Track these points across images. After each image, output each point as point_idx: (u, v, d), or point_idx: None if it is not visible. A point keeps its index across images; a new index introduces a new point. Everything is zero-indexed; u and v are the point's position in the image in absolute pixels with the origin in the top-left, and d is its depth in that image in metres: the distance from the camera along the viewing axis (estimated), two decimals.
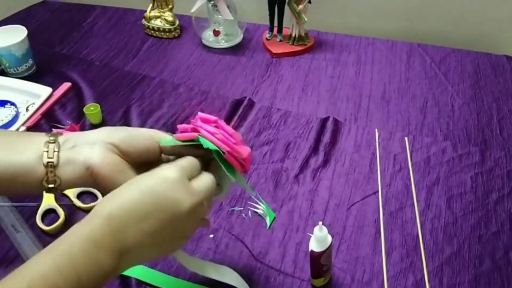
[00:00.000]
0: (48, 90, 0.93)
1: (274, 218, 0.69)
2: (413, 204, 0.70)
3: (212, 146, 0.46)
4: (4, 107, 0.90)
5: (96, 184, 0.46)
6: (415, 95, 0.92)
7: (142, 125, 0.87)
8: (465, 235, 0.65)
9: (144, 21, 1.14)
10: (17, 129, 0.86)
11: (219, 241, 0.66)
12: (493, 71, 0.96)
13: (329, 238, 0.55)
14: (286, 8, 1.02)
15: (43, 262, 0.37)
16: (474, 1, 1.06)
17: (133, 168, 0.47)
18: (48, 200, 0.71)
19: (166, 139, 0.48)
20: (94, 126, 0.87)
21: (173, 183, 0.42)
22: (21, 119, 0.88)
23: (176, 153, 0.48)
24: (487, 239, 0.65)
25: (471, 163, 0.76)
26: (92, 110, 0.86)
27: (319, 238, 0.54)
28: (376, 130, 0.83)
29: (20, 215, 0.70)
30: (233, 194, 0.73)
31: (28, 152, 0.44)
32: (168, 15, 1.12)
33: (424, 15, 1.12)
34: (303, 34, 1.05)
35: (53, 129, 0.86)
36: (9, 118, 0.87)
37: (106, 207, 0.41)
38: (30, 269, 0.36)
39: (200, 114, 0.50)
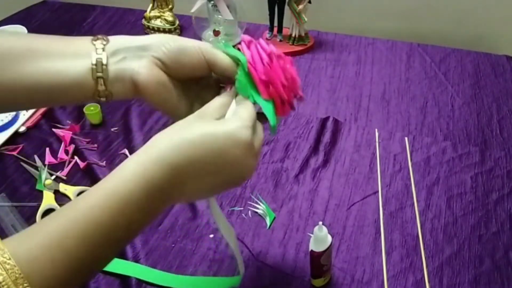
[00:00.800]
0: None
1: (274, 218, 0.69)
2: (413, 204, 0.70)
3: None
4: None
5: (143, 98, 0.45)
6: (415, 95, 0.92)
7: (142, 125, 0.87)
8: (465, 235, 0.65)
9: (144, 21, 1.14)
10: (17, 129, 0.86)
11: (219, 241, 0.66)
12: (493, 71, 0.96)
13: (329, 238, 0.55)
14: (286, 8, 1.02)
15: (94, 204, 0.36)
16: (474, 1, 1.06)
17: (180, 85, 0.46)
18: (48, 200, 0.71)
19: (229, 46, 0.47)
20: (94, 126, 0.87)
21: (246, 149, 0.41)
22: (21, 119, 0.88)
23: (227, 75, 0.46)
24: (487, 239, 0.65)
25: (471, 163, 0.76)
26: (92, 110, 0.86)
27: (319, 238, 0.54)
28: (376, 130, 0.83)
29: (20, 215, 0.70)
30: (233, 194, 0.73)
31: (78, 65, 0.43)
32: (168, 15, 1.12)
33: (424, 15, 1.12)
34: (303, 34, 1.05)
35: (53, 129, 0.86)
36: (9, 118, 0.86)
37: (168, 154, 0.38)
38: (80, 209, 0.35)
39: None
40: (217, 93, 0.47)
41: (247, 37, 0.47)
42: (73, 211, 0.35)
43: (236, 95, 0.45)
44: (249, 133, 0.41)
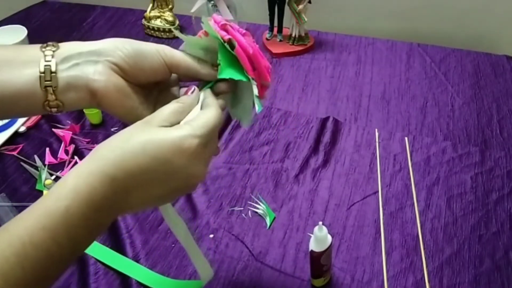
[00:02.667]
0: None
1: (274, 218, 0.69)
2: (413, 204, 0.70)
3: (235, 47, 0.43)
4: None
5: (100, 107, 0.43)
6: (415, 95, 0.92)
7: None
8: (465, 235, 0.65)
9: (144, 21, 1.14)
10: (17, 129, 0.86)
11: (219, 241, 0.66)
12: (493, 71, 0.96)
13: (329, 238, 0.55)
14: (286, 8, 1.02)
15: (32, 225, 0.34)
16: (474, 1, 1.06)
17: (140, 91, 0.44)
18: None
19: (189, 40, 0.44)
20: (94, 126, 0.87)
21: (192, 157, 0.39)
22: (21, 119, 0.88)
23: (190, 75, 0.45)
24: (487, 239, 0.65)
25: (471, 163, 0.76)
26: (92, 110, 0.86)
27: (319, 238, 0.54)
28: (376, 130, 0.83)
29: None
30: (233, 194, 0.73)
31: (25, 73, 0.40)
32: (168, 15, 1.12)
33: (424, 15, 1.12)
34: (303, 34, 1.05)
35: (53, 129, 0.86)
36: None
37: (108, 167, 0.36)
38: (17, 231, 0.34)
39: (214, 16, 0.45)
40: (178, 96, 0.46)
41: (218, 18, 0.45)
42: (9, 234, 0.33)
43: (204, 98, 0.44)
44: (195, 142, 0.38)
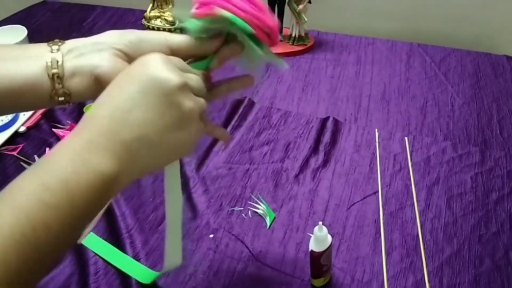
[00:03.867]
0: None
1: (274, 218, 0.69)
2: (413, 204, 0.70)
3: (240, 23, 0.42)
4: None
5: None
6: (415, 95, 0.92)
7: None
8: (465, 235, 0.65)
9: (144, 21, 1.14)
10: (17, 129, 0.86)
11: (219, 241, 0.66)
12: (493, 71, 0.96)
13: (329, 238, 0.55)
14: (286, 8, 1.02)
15: (28, 183, 0.34)
16: (474, 1, 1.06)
17: None
18: None
19: (187, 22, 0.44)
20: None
21: (158, 64, 0.38)
22: (21, 119, 0.88)
23: (192, 55, 0.45)
24: (487, 239, 0.65)
25: (471, 163, 0.76)
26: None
27: (319, 238, 0.54)
28: (376, 130, 0.83)
29: None
30: (233, 194, 0.73)
31: (31, 65, 0.41)
32: (168, 15, 1.12)
33: (424, 15, 1.12)
34: (303, 34, 1.05)
35: (53, 129, 0.86)
36: (9, 118, 0.86)
37: (89, 113, 0.38)
38: (16, 191, 0.34)
39: None
40: None
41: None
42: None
43: None
44: (159, 55, 0.39)
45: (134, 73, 0.39)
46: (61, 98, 0.42)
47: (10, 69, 0.41)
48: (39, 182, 0.34)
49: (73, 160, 0.35)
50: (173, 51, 0.44)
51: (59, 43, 0.43)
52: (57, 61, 0.41)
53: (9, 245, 0.31)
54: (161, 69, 0.38)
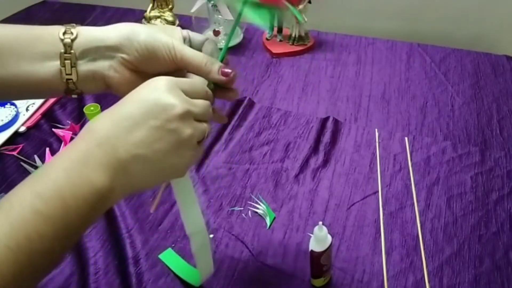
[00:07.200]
0: None
1: (274, 218, 0.69)
2: (413, 204, 0.70)
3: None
4: (4, 107, 0.89)
5: (115, 94, 0.46)
6: (415, 95, 0.92)
7: None
8: (465, 235, 0.65)
9: (144, 21, 1.14)
10: (17, 129, 0.86)
11: (219, 241, 0.66)
12: (493, 71, 0.96)
13: (329, 238, 0.55)
14: None
15: (23, 193, 0.35)
16: (474, 1, 1.06)
17: (150, 76, 0.45)
18: None
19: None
20: None
21: (165, 89, 0.39)
22: (21, 119, 0.88)
23: (199, 75, 0.47)
24: (487, 239, 0.65)
25: (471, 163, 0.76)
26: (92, 110, 0.86)
27: (319, 238, 0.54)
28: (376, 130, 0.83)
29: None
30: (233, 194, 0.73)
31: (46, 67, 0.44)
32: (168, 15, 1.12)
33: (424, 15, 1.12)
34: (303, 34, 1.05)
35: (53, 129, 0.86)
36: (9, 118, 0.86)
37: (89, 125, 0.39)
38: (11, 200, 0.34)
39: None
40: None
41: None
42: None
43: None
44: (167, 79, 0.41)
45: (140, 94, 0.40)
46: (74, 96, 0.46)
47: (26, 70, 0.43)
48: (34, 192, 0.34)
49: (69, 171, 0.36)
50: (179, 65, 0.46)
51: (72, 36, 0.44)
52: (71, 67, 0.44)
53: (3, 253, 0.31)
54: (166, 95, 0.39)
